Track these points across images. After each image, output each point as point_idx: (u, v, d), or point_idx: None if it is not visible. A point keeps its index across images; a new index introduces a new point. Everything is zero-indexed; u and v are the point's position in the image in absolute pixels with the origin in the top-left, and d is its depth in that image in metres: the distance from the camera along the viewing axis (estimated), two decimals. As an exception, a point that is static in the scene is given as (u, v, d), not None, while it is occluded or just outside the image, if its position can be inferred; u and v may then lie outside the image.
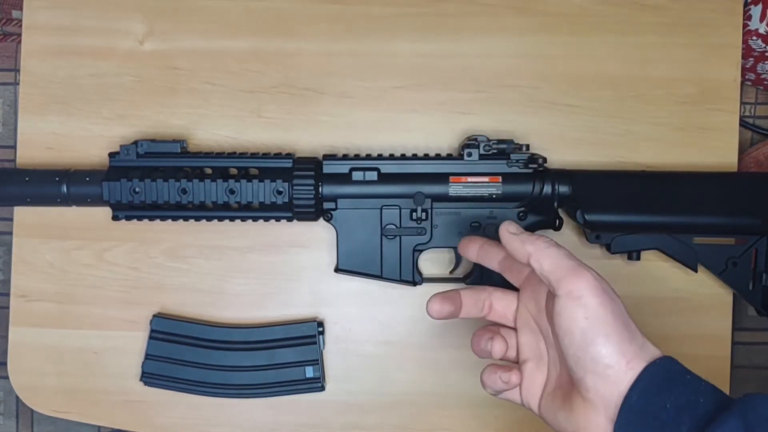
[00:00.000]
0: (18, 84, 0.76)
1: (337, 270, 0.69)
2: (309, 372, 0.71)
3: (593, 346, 0.42)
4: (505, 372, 0.50)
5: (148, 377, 0.71)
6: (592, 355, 0.42)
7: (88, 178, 0.67)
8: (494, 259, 0.54)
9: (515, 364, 0.52)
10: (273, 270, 0.73)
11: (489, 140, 0.67)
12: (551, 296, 0.45)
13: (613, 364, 0.42)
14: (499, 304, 0.53)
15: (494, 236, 0.67)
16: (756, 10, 0.71)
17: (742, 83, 0.76)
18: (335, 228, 0.68)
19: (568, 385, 0.46)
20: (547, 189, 0.67)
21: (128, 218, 0.68)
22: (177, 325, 0.71)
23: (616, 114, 0.72)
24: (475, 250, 0.55)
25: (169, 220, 0.69)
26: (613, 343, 0.42)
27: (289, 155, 0.68)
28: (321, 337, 0.72)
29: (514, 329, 0.52)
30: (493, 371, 0.50)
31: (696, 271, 0.67)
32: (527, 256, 0.46)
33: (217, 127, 0.73)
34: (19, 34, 0.75)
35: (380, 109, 0.73)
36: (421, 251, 0.69)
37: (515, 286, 0.53)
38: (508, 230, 0.48)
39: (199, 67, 0.73)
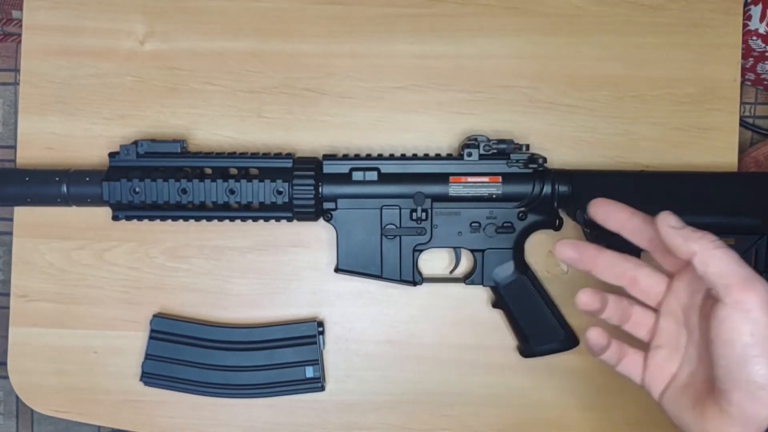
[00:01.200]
0: (18, 84, 0.76)
1: (337, 270, 0.69)
2: (309, 372, 0.71)
3: (752, 365, 0.40)
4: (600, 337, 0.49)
5: (148, 377, 0.71)
6: (749, 373, 0.40)
7: (88, 178, 0.67)
8: (644, 237, 0.49)
9: (640, 343, 0.50)
10: (273, 270, 0.73)
11: (489, 140, 0.67)
12: (710, 298, 0.43)
13: None
14: (646, 282, 0.49)
15: (494, 235, 0.68)
16: (756, 10, 0.71)
17: (742, 83, 0.76)
18: (335, 228, 0.68)
19: (703, 387, 0.44)
20: (547, 189, 0.67)
21: (128, 218, 0.68)
22: (177, 325, 0.71)
23: (616, 114, 0.73)
24: (622, 221, 0.49)
25: (169, 220, 0.69)
26: None
27: (289, 155, 0.68)
28: (321, 337, 0.72)
29: (653, 310, 0.49)
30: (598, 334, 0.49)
31: (696, 270, 0.67)
32: (691, 255, 0.42)
33: (218, 127, 0.73)
34: (19, 34, 0.75)
35: (380, 109, 0.73)
36: (421, 251, 0.69)
37: (666, 269, 0.49)
38: (669, 224, 0.44)
39: (200, 67, 0.73)
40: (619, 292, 0.50)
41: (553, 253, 0.50)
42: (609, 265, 0.50)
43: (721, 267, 0.41)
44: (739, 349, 0.40)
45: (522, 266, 0.69)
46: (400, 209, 0.68)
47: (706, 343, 0.43)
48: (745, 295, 0.40)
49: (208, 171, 0.68)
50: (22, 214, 0.73)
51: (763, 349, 0.39)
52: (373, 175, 0.67)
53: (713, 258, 0.42)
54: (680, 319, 0.48)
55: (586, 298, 0.49)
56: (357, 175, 0.67)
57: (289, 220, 0.68)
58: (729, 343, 0.40)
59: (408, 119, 0.73)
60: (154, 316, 0.72)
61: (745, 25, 0.72)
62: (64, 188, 0.66)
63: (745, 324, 0.40)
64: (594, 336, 0.49)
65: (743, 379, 0.40)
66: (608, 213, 0.50)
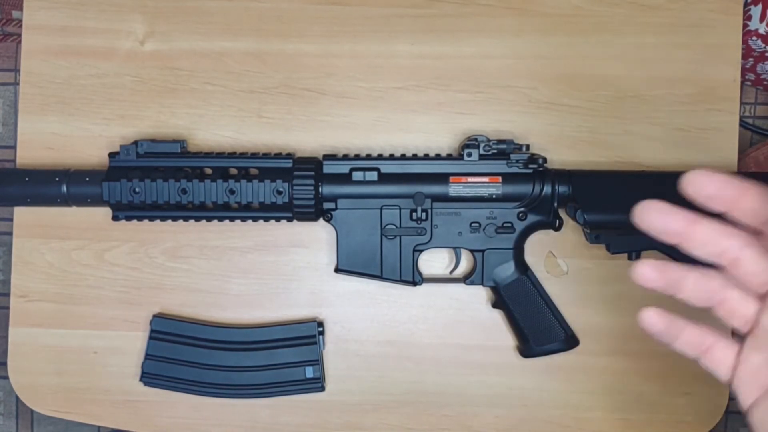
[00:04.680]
0: (18, 84, 0.76)
1: (337, 270, 0.69)
2: (309, 372, 0.71)
3: None
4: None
5: (148, 377, 0.71)
6: None
7: (88, 178, 0.67)
8: (756, 215, 0.42)
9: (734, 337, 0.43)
10: (273, 270, 0.73)
11: (489, 140, 0.67)
12: None
13: None
14: (750, 266, 0.42)
15: (494, 235, 0.68)
16: (756, 11, 0.71)
17: (742, 83, 0.76)
18: (335, 228, 0.68)
19: None
20: (547, 189, 0.67)
21: (128, 218, 0.68)
22: (177, 325, 0.71)
23: (615, 114, 0.73)
24: (733, 198, 0.41)
25: (169, 220, 0.69)
26: None
27: (289, 155, 0.68)
28: (321, 337, 0.72)
29: (754, 297, 0.42)
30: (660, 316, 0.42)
31: (696, 271, 0.67)
32: None
33: (218, 127, 0.73)
34: (19, 34, 0.75)
35: (380, 109, 0.73)
36: (421, 251, 0.69)
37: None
38: None
39: (200, 67, 0.73)
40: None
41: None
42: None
43: None
44: None
45: (522, 266, 0.69)
46: (400, 209, 0.68)
47: None
48: None
49: (208, 171, 0.68)
50: (22, 214, 0.73)
51: None
52: (373, 175, 0.67)
53: None
54: None
55: (648, 273, 0.41)
56: (357, 175, 0.67)
57: (289, 220, 0.68)
58: None
59: (408, 119, 0.73)
60: (154, 316, 0.72)
61: (745, 26, 0.72)
62: (64, 188, 0.66)
63: None
64: (648, 318, 0.42)
65: None
66: (713, 188, 0.41)
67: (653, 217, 0.41)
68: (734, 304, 0.42)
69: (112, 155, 0.68)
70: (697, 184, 0.40)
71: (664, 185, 0.67)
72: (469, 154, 0.67)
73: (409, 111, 0.73)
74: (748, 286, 0.42)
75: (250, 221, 0.69)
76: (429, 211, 0.68)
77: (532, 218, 0.68)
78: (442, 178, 0.67)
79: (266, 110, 0.73)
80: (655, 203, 0.41)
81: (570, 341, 0.70)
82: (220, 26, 0.73)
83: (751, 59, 0.74)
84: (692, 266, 0.42)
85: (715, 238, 0.41)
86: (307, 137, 0.73)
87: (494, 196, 0.67)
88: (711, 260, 0.42)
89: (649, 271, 0.42)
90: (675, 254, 0.69)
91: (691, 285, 0.42)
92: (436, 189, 0.67)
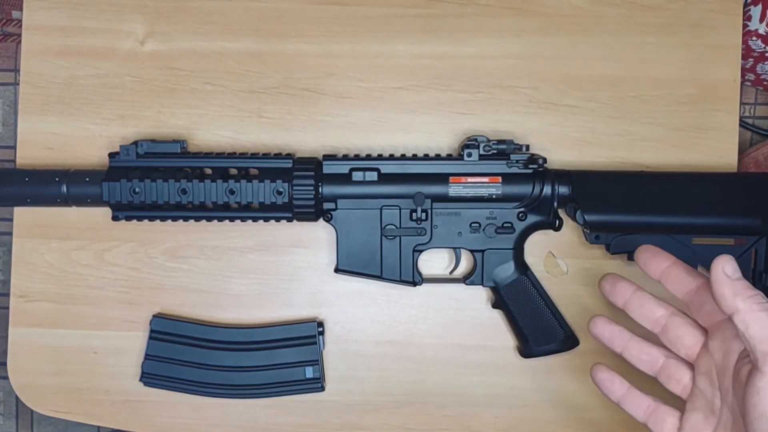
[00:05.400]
0: (18, 84, 0.76)
1: (337, 270, 0.69)
2: (309, 372, 0.71)
3: None
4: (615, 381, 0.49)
5: (148, 377, 0.71)
6: None
7: (88, 179, 0.67)
8: (682, 287, 0.47)
9: (674, 400, 0.46)
10: (273, 270, 0.73)
11: (489, 140, 0.67)
12: (745, 359, 0.40)
13: None
14: (677, 331, 0.46)
15: (493, 236, 0.68)
16: (756, 11, 0.71)
17: (742, 84, 0.76)
18: (335, 228, 0.68)
19: None
20: (547, 189, 0.67)
21: (128, 218, 0.68)
22: (177, 325, 0.71)
23: (616, 114, 0.73)
24: (661, 269, 0.48)
25: (169, 221, 0.69)
26: None
27: (289, 155, 0.68)
28: (321, 337, 0.72)
29: (689, 366, 0.46)
30: (609, 373, 0.49)
31: (696, 271, 0.67)
32: (733, 311, 0.39)
33: (218, 127, 0.73)
34: (19, 34, 0.75)
35: (380, 110, 0.73)
36: (421, 251, 0.69)
37: (702, 325, 0.47)
38: (725, 270, 0.41)
39: (200, 67, 0.73)
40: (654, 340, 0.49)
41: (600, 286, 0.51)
42: (640, 305, 0.49)
43: (762, 330, 0.38)
44: None
45: (522, 267, 0.69)
46: (400, 209, 0.68)
47: (741, 411, 0.40)
48: None
49: (208, 171, 0.68)
50: (22, 214, 0.73)
51: None
52: (373, 176, 0.67)
53: (756, 320, 0.38)
54: (714, 380, 0.44)
55: (597, 328, 0.50)
56: (357, 176, 0.67)
57: (289, 220, 0.68)
58: (765, 417, 0.37)
59: (408, 119, 0.73)
60: (154, 316, 0.72)
61: (745, 26, 0.72)
62: (64, 188, 0.66)
63: None
64: (598, 373, 0.51)
65: None
66: (648, 260, 0.49)
67: (604, 285, 0.50)
68: (672, 371, 0.47)
69: (112, 155, 0.68)
70: (638, 254, 0.49)
71: (664, 185, 0.67)
72: (469, 155, 0.67)
73: (409, 111, 0.73)
74: (681, 354, 0.47)
75: (250, 221, 0.69)
76: (429, 211, 0.68)
77: (532, 218, 0.68)
78: (442, 179, 0.67)
79: (266, 110, 0.73)
80: (609, 276, 0.51)
81: (570, 341, 0.70)
82: (220, 26, 0.73)
83: (751, 59, 0.74)
84: (636, 335, 0.50)
85: (648, 306, 0.48)
86: (307, 137, 0.73)
87: (494, 197, 0.67)
88: (647, 326, 0.49)
89: (601, 328, 0.51)
90: (675, 255, 0.69)
91: (635, 350, 0.49)
92: (436, 189, 0.67)
